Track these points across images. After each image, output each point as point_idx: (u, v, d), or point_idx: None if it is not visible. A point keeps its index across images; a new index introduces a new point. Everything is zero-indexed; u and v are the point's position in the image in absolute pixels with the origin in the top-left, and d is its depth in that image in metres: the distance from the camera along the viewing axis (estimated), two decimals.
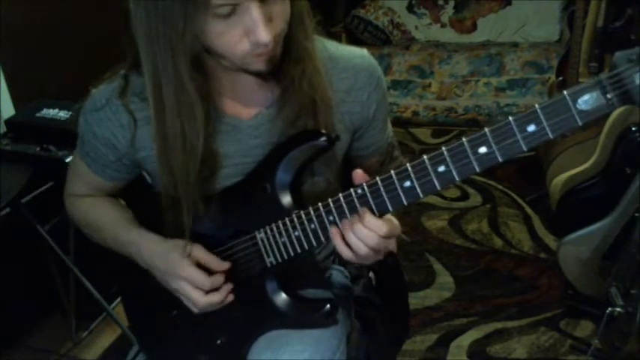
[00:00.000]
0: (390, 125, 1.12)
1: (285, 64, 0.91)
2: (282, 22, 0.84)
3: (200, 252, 0.98)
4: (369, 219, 0.85)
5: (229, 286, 1.00)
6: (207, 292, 0.97)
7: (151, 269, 1.02)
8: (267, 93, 0.97)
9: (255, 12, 0.79)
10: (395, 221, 0.90)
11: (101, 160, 1.03)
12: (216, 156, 0.97)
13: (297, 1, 0.87)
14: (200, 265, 0.98)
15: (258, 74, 0.90)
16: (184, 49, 0.83)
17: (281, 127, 0.96)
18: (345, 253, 0.89)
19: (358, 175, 0.87)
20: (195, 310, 0.99)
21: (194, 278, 0.96)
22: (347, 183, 0.89)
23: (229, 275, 1.00)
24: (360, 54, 1.02)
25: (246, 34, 0.81)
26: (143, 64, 0.88)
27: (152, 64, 0.86)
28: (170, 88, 0.87)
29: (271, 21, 0.82)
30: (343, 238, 0.88)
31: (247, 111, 0.99)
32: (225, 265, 0.99)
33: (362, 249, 0.87)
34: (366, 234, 0.85)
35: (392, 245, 0.92)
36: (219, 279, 0.98)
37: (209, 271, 0.98)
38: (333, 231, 0.89)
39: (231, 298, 1.00)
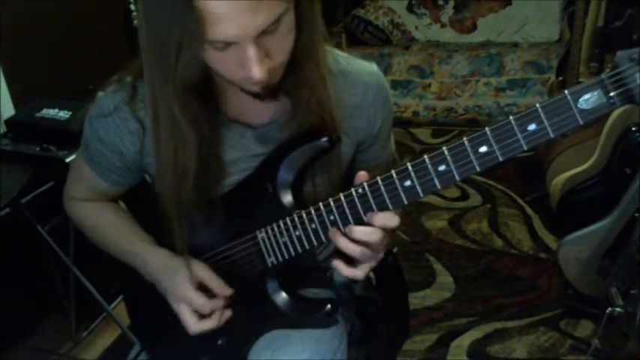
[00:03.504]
0: (392, 141, 1.13)
1: (294, 87, 0.91)
2: (281, 55, 0.83)
3: (205, 272, 0.98)
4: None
5: (225, 313, 1.00)
6: (202, 317, 0.98)
7: (154, 283, 1.02)
8: (275, 104, 0.96)
9: (250, 51, 0.77)
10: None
11: (106, 165, 1.03)
12: (221, 163, 0.97)
13: (309, 29, 0.86)
14: (203, 287, 0.98)
15: (255, 95, 0.88)
16: (175, 79, 0.81)
17: (288, 137, 0.96)
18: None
19: (361, 176, 0.87)
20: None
21: (194, 302, 0.97)
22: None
23: (230, 275, 1.00)
24: (369, 70, 1.02)
25: (241, 66, 0.80)
26: (145, 83, 0.87)
27: (151, 86, 0.86)
28: (165, 112, 0.86)
29: (268, 56, 0.80)
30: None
31: (256, 119, 0.98)
32: (228, 291, 0.99)
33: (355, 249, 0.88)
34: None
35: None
36: (218, 303, 0.98)
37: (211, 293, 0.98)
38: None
39: (226, 318, 1.00)
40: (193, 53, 0.77)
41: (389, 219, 0.86)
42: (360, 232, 0.87)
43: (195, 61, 0.79)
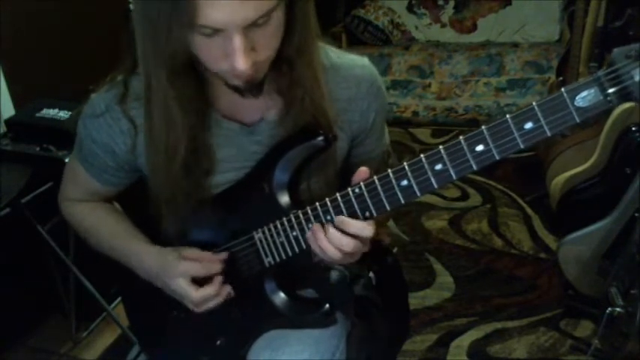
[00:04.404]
0: (387, 133, 1.12)
1: (287, 86, 0.91)
2: (267, 51, 0.83)
3: (193, 251, 0.99)
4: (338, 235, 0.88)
5: (222, 279, 1.00)
6: (201, 285, 0.98)
7: (151, 280, 1.03)
8: (267, 101, 0.96)
9: (236, 40, 0.77)
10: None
11: (99, 165, 1.03)
12: (213, 158, 0.97)
13: (302, 28, 0.86)
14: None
15: (236, 89, 0.88)
16: (165, 59, 0.82)
17: (283, 135, 0.96)
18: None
19: (362, 172, 0.87)
20: (195, 308, 0.99)
21: (189, 270, 0.97)
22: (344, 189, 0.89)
23: (228, 275, 1.00)
24: (360, 63, 1.02)
25: (226, 55, 0.80)
26: (139, 62, 0.88)
27: (144, 65, 0.87)
28: (156, 91, 0.87)
29: (254, 50, 0.80)
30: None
31: (249, 116, 0.98)
32: (221, 255, 0.99)
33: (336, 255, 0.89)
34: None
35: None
36: (214, 266, 0.98)
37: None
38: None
39: (227, 291, 1.00)
40: (182, 35, 0.78)
41: (363, 228, 0.86)
42: (336, 236, 0.88)
43: (183, 43, 0.79)
